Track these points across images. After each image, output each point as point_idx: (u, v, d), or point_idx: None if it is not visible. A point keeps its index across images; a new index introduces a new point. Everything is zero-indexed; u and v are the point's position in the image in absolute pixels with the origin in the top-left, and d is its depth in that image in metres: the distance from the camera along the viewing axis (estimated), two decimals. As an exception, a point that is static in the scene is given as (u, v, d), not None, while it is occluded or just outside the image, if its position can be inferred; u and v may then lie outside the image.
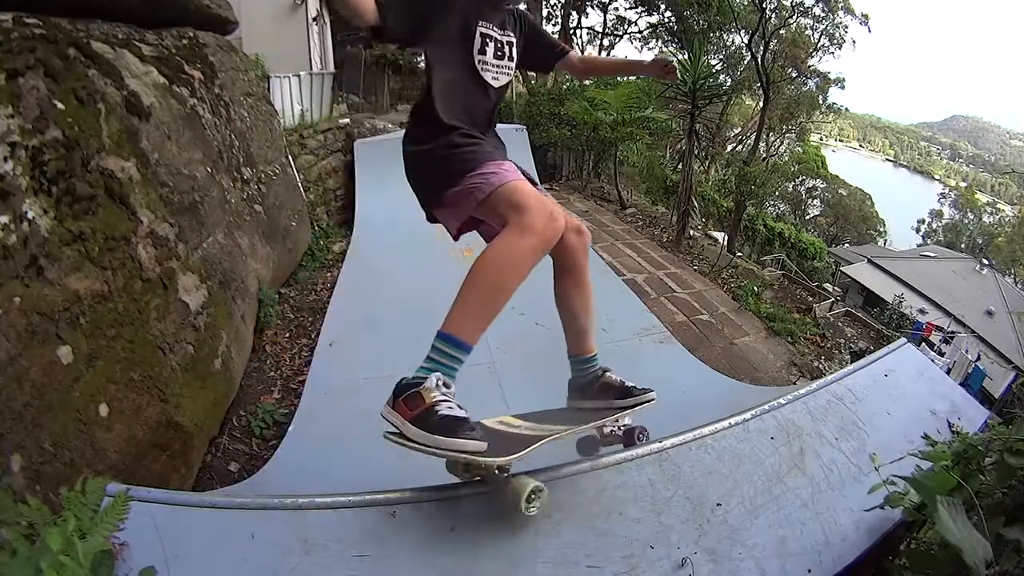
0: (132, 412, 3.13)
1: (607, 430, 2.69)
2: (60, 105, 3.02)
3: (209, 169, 4.82)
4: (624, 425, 2.70)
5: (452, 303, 2.15)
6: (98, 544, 1.69)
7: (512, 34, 2.57)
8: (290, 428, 4.36)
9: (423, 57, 2.46)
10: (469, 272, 2.15)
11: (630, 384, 2.65)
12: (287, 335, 5.81)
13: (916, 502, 2.11)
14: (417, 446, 1.96)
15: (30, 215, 2.68)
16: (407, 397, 2.03)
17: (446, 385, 2.05)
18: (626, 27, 29.11)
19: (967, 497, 1.96)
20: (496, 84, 2.51)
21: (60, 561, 1.52)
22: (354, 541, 2.06)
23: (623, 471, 2.45)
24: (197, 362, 3.92)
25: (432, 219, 2.62)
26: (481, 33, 2.41)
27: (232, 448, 4.16)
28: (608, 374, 2.70)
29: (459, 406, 2.03)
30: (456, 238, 2.59)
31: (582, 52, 28.22)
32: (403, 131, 2.54)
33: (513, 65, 2.59)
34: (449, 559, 2.08)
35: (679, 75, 2.84)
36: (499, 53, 2.50)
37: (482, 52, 2.42)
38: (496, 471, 2.17)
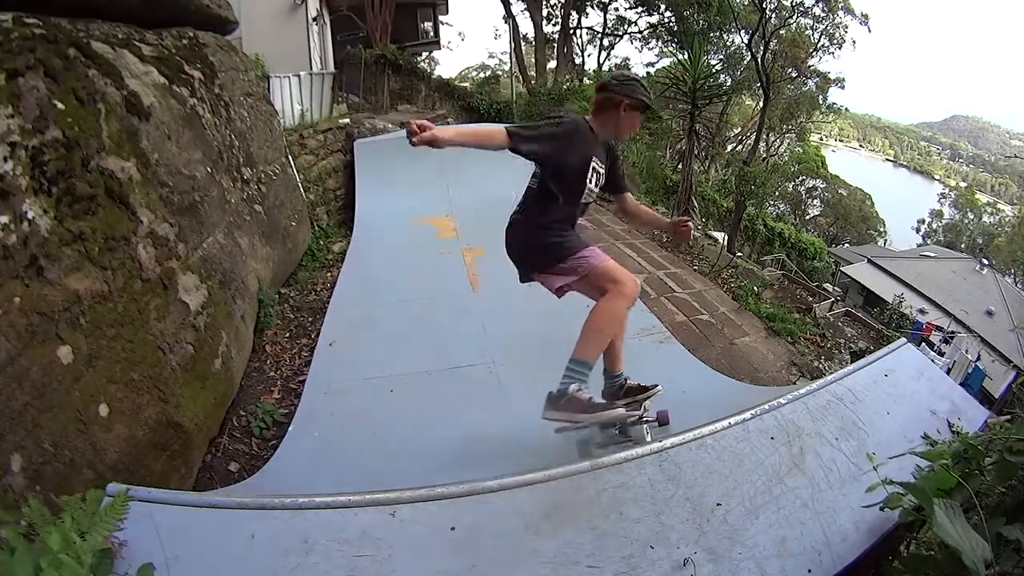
0: (132, 412, 3.13)
1: (643, 415, 3.45)
2: (60, 105, 3.02)
3: (209, 169, 4.82)
4: (647, 411, 3.50)
5: (578, 339, 3.25)
6: (98, 543, 1.69)
7: (604, 165, 3.44)
8: (290, 428, 4.36)
9: (538, 170, 3.34)
10: (588, 319, 3.23)
11: (644, 384, 3.54)
12: (287, 335, 5.81)
13: (915, 503, 2.11)
14: (588, 422, 3.25)
15: (30, 215, 2.68)
16: (567, 401, 3.19)
17: (583, 387, 3.21)
18: (626, 27, 29.14)
19: (967, 497, 1.96)
20: (588, 201, 3.46)
21: (59, 559, 1.52)
22: (354, 541, 2.06)
23: (623, 471, 2.46)
24: (197, 362, 3.92)
25: (526, 280, 3.59)
26: (593, 167, 3.29)
27: (232, 448, 4.16)
28: (628, 381, 3.60)
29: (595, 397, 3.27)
30: (558, 294, 3.51)
31: (582, 52, 28.35)
32: (513, 218, 3.52)
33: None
34: (449, 559, 2.08)
35: (690, 235, 3.68)
36: (598, 181, 3.41)
37: (590, 181, 3.31)
38: (630, 421, 3.38)
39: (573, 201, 3.34)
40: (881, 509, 2.24)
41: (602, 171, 3.39)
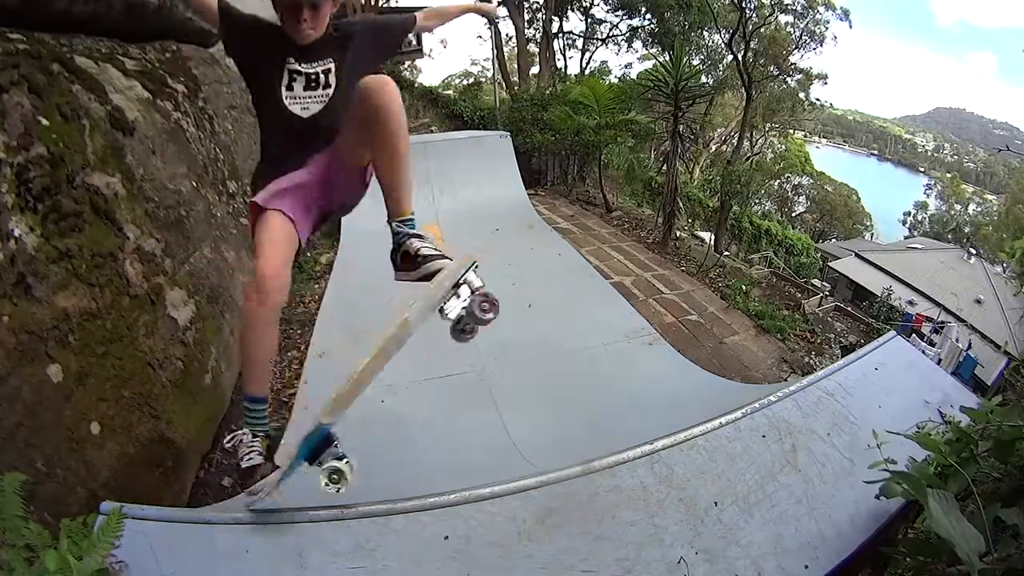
0: (124, 429, 3.12)
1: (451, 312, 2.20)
2: (44, 121, 3.01)
3: (194, 183, 4.80)
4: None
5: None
6: (95, 564, 1.69)
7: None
8: (282, 442, 4.35)
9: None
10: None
11: (426, 251, 2.49)
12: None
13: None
14: None
15: (16, 233, 2.67)
16: None
17: None
18: (608, 31, 29.22)
19: (963, 484, 1.97)
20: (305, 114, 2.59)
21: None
22: (348, 553, 2.06)
23: (615, 474, 2.46)
24: (187, 378, 3.91)
25: None
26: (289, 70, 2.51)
27: (225, 463, 4.14)
28: (410, 241, 2.59)
29: None
30: None
31: (563, 55, 28.35)
32: None
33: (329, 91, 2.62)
34: (443, 568, 2.08)
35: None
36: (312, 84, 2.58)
37: (289, 88, 2.53)
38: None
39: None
40: (876, 498, 2.24)
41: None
